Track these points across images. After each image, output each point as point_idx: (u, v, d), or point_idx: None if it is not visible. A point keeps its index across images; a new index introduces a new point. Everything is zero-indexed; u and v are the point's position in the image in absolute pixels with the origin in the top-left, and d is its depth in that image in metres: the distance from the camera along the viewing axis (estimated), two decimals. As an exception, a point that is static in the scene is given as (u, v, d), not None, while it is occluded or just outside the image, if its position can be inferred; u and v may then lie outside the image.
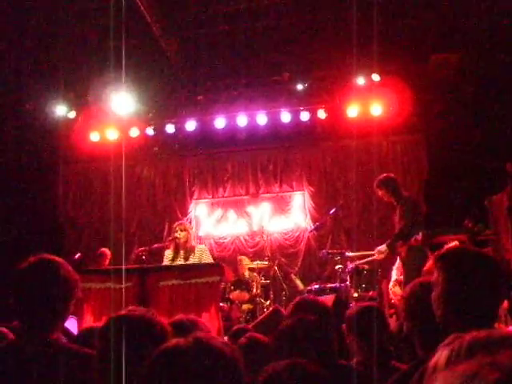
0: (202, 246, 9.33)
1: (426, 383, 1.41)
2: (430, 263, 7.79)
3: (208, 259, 8.77)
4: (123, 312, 2.67)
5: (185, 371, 1.66)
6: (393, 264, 8.53)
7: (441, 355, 1.39)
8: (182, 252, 8.77)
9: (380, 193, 8.37)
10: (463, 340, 1.39)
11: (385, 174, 8.46)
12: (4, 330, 4.01)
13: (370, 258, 8.92)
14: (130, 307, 2.73)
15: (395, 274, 8.38)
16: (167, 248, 9.06)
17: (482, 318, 2.66)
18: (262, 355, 4.12)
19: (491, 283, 2.75)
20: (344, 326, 4.18)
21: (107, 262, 10.21)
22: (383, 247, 8.30)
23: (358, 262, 9.21)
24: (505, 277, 2.86)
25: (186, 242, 8.78)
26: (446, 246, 7.73)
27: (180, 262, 8.69)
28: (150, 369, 1.74)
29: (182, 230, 8.88)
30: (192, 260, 8.64)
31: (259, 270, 10.69)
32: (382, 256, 8.34)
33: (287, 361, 2.43)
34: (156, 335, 2.50)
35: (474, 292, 2.71)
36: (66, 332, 4.39)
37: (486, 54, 10.16)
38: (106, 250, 10.36)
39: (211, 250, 11.19)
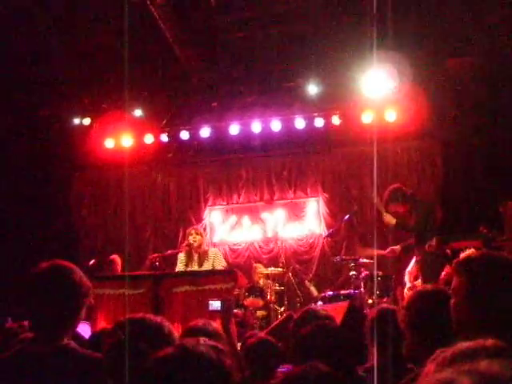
0: (215, 250, 9.39)
1: None
2: (446, 270, 7.76)
3: (221, 262, 8.85)
4: (131, 316, 2.68)
5: (172, 380, 1.68)
6: (404, 270, 8.47)
7: (429, 369, 1.40)
8: (195, 256, 8.82)
9: (393, 209, 8.30)
10: (446, 352, 1.40)
11: (388, 189, 8.37)
12: (25, 323, 4.04)
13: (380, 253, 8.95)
14: (140, 313, 2.73)
15: (407, 278, 8.33)
16: (181, 252, 9.12)
17: (508, 323, 2.61)
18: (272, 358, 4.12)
19: None
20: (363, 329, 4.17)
21: (119, 268, 10.19)
22: (397, 247, 8.34)
23: (364, 260, 9.24)
24: None
25: (200, 246, 8.86)
26: (462, 254, 7.69)
27: (195, 266, 8.75)
28: (141, 381, 1.78)
29: (196, 234, 8.95)
30: (206, 265, 8.70)
31: (273, 277, 10.66)
32: (392, 254, 8.36)
33: (305, 365, 2.41)
34: (163, 340, 2.50)
35: (499, 297, 2.66)
36: (78, 337, 4.40)
37: (502, 59, 10.10)
38: (117, 257, 10.32)
39: (225, 257, 11.21)
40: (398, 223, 8.27)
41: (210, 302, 6.14)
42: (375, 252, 9.21)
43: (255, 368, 4.13)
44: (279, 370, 4.17)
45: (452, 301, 2.81)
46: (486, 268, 2.75)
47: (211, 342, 1.86)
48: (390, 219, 8.30)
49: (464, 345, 1.41)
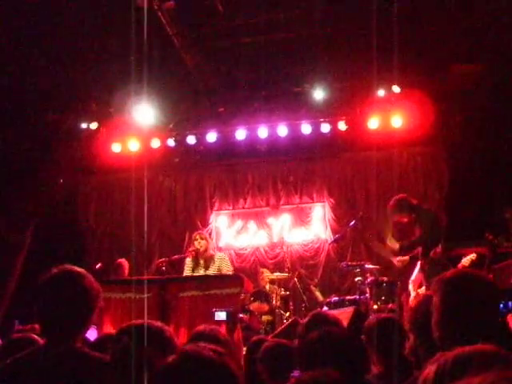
0: (221, 254, 9.41)
1: None
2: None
3: (227, 267, 8.87)
4: (133, 322, 2.73)
5: None
6: (409, 277, 8.48)
7: (429, 371, 1.42)
8: (201, 261, 8.85)
9: (396, 217, 8.34)
10: (448, 356, 1.41)
11: (393, 199, 8.42)
12: (34, 336, 4.07)
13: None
14: (139, 320, 2.78)
15: (412, 287, 8.35)
16: (188, 257, 9.14)
17: (480, 340, 2.65)
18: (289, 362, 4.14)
19: (486, 305, 2.74)
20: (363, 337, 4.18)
21: (126, 272, 10.22)
22: (396, 245, 8.38)
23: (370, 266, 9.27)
24: (501, 298, 2.84)
25: (206, 250, 8.88)
26: (464, 259, 7.71)
27: (201, 271, 8.78)
28: None
29: (201, 239, 8.97)
30: (212, 268, 8.73)
31: (279, 282, 10.69)
32: (401, 264, 8.39)
33: (315, 371, 2.44)
34: (164, 345, 2.56)
35: (469, 314, 2.70)
36: (85, 340, 4.44)
37: (507, 65, 10.12)
38: (123, 261, 10.35)
39: (231, 261, 11.22)
40: (401, 247, 8.35)
41: (216, 313, 6.15)
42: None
43: (273, 371, 4.16)
44: (292, 374, 4.19)
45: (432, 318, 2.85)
46: (456, 286, 2.79)
47: (211, 346, 1.89)
48: (392, 245, 8.44)
49: (465, 350, 1.43)
